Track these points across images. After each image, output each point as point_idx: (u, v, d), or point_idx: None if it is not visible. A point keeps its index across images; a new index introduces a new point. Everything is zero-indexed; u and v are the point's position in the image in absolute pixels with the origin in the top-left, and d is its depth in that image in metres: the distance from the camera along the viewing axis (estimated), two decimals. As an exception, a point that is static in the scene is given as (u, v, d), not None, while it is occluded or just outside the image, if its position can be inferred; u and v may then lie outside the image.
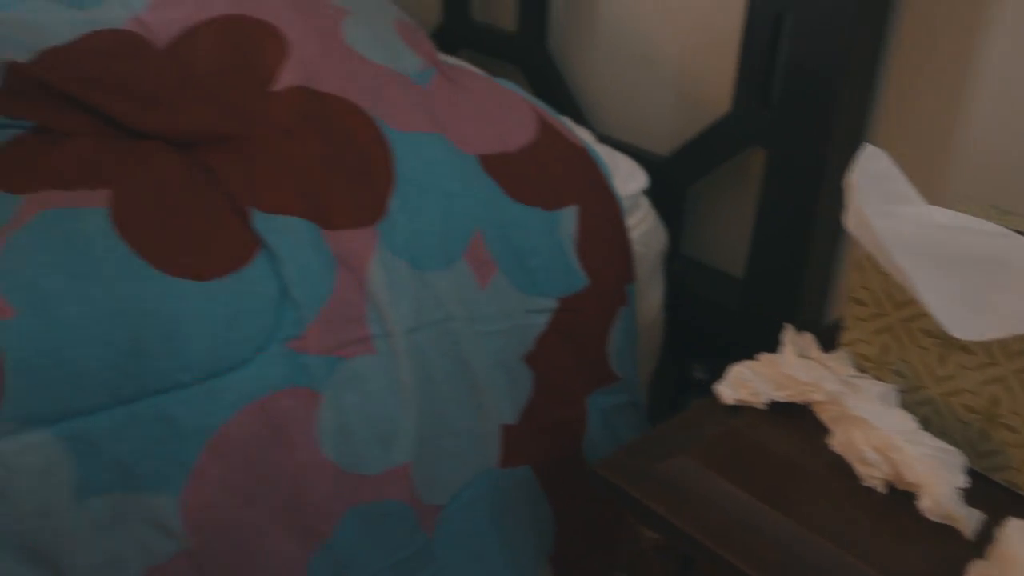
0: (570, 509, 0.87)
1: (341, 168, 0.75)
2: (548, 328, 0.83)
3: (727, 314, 1.00)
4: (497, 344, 0.80)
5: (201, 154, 0.74)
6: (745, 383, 0.69)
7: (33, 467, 0.57)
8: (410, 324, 0.74)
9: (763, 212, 0.92)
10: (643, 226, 0.95)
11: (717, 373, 1.06)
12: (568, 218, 0.85)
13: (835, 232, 0.92)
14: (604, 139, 1.03)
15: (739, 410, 0.69)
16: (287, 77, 0.79)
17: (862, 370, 0.68)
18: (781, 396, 0.68)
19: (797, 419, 0.68)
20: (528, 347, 0.82)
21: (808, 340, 0.71)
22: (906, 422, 0.62)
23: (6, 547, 0.57)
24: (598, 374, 0.88)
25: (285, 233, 0.70)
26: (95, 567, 0.60)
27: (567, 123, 0.94)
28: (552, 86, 1.12)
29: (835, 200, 0.89)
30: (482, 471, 0.80)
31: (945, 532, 0.59)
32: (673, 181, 1.03)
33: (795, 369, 0.68)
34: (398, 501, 0.74)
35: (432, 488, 0.76)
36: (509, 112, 0.89)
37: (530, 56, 1.14)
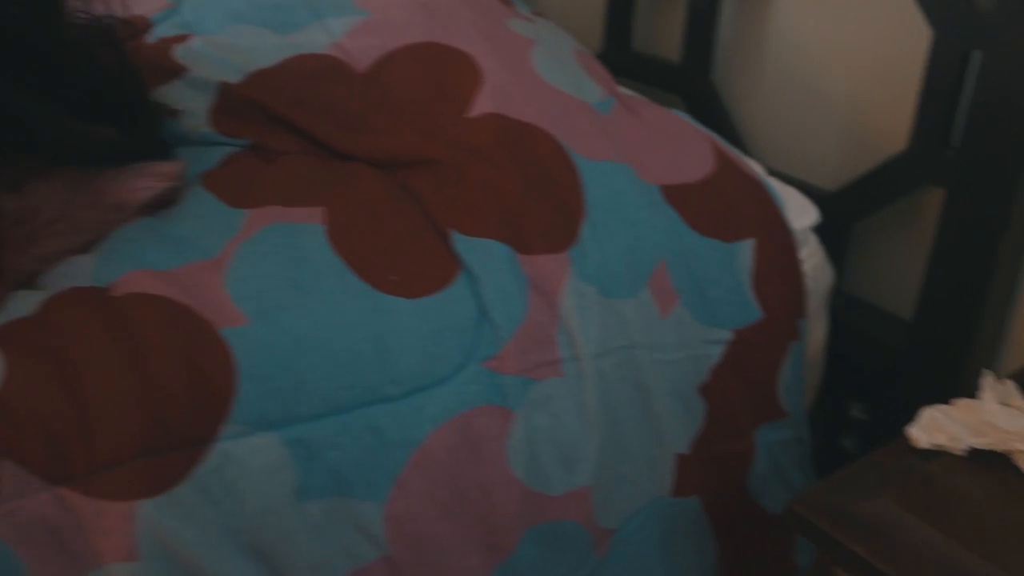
0: (735, 542, 0.86)
1: (535, 194, 0.77)
2: (722, 360, 0.83)
3: (890, 354, 0.98)
4: (674, 373, 0.80)
5: (402, 175, 0.77)
6: (942, 428, 0.68)
7: (261, 468, 0.60)
8: (596, 349, 0.75)
9: (938, 253, 0.91)
10: (812, 261, 0.95)
11: (875, 413, 1.04)
12: (745, 251, 0.85)
13: (1014, 275, 0.90)
14: (770, 172, 1.03)
15: (933, 455, 0.68)
16: (482, 104, 0.81)
17: (1068, 421, 0.67)
18: (980, 443, 0.67)
19: (997, 467, 0.67)
20: (703, 377, 0.82)
21: (1009, 388, 0.69)
22: (1124, 478, 0.60)
23: (233, 542, 0.60)
24: (767, 408, 0.87)
25: (483, 255, 0.72)
26: (308, 567, 0.63)
27: (739, 155, 0.95)
28: (715, 117, 1.12)
29: (1018, 242, 0.87)
30: (654, 498, 0.80)
31: None
32: (839, 217, 1.02)
33: (997, 416, 0.67)
34: (576, 523, 0.75)
35: (607, 512, 0.77)
36: (687, 143, 0.90)
37: (693, 86, 1.15)
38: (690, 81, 1.15)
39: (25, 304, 0.63)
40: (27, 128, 0.65)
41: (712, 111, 1.13)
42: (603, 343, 0.75)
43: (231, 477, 0.59)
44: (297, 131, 0.80)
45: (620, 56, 1.23)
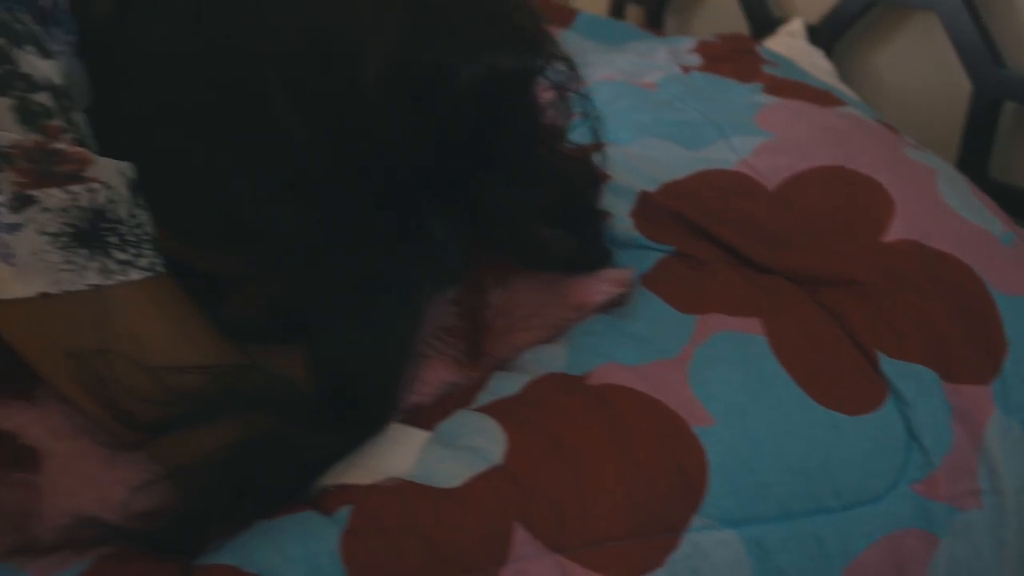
0: None
1: (958, 323, 0.78)
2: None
3: None
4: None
5: (819, 292, 0.81)
6: None
7: (723, 562, 0.64)
8: (1017, 484, 0.75)
9: None
10: None
11: None
12: None
13: None
14: None
15: None
16: (897, 230, 0.84)
17: None
18: None
19: None
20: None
21: None
22: None
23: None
24: None
25: (912, 380, 0.75)
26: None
27: None
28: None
29: None
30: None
31: None
32: None
33: None
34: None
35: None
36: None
37: (1061, 220, 1.13)
38: (1057, 214, 1.13)
39: (509, 385, 0.71)
40: (514, 234, 0.74)
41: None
42: None
43: (697, 567, 0.64)
44: (714, 241, 0.86)
45: (975, 183, 1.23)
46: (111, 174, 0.60)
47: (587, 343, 0.74)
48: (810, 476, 0.68)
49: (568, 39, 1.01)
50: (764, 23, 1.53)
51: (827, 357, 0.75)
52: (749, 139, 0.97)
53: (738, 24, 1.62)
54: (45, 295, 0.58)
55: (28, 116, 0.58)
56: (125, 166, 0.62)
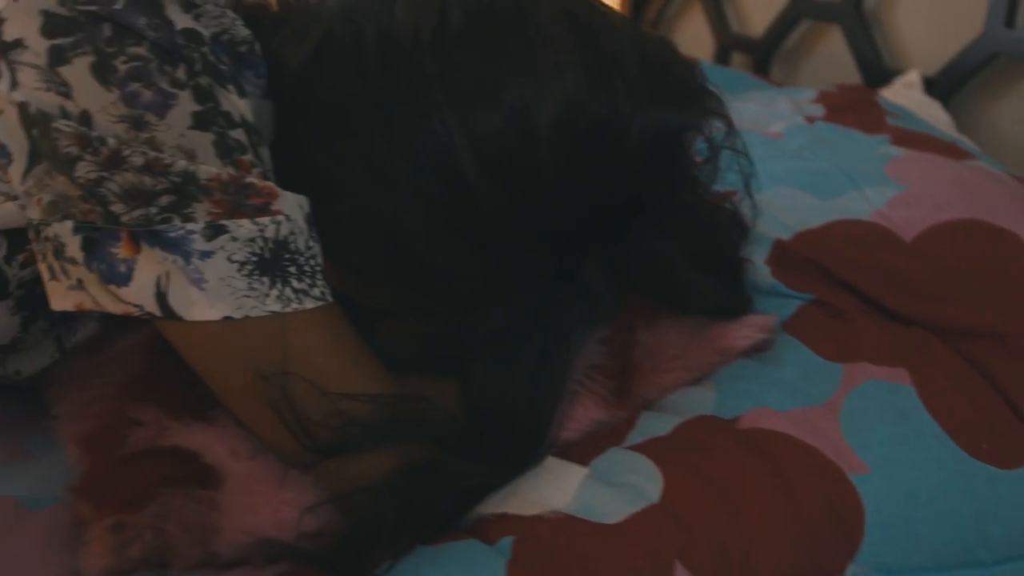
0: None
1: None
2: None
3: None
4: None
5: (960, 344, 0.81)
6: None
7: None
8: None
9: None
10: None
11: None
12: None
13: None
14: None
15: None
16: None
17: None
18: None
19: None
20: None
21: None
22: None
23: None
24: None
25: (1062, 435, 0.74)
26: None
27: None
28: None
29: None
30: None
31: None
32: None
33: None
34: None
35: None
36: None
37: None
38: None
39: (660, 425, 0.73)
40: (664, 279, 0.76)
41: None
42: None
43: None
44: (851, 290, 0.87)
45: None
46: (293, 208, 0.64)
47: (736, 387, 0.75)
48: (963, 528, 0.68)
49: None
50: (877, 74, 1.54)
51: (975, 409, 0.75)
52: (882, 190, 0.98)
53: (847, 73, 1.63)
54: (228, 319, 0.62)
55: (225, 150, 0.63)
56: (303, 200, 0.66)
